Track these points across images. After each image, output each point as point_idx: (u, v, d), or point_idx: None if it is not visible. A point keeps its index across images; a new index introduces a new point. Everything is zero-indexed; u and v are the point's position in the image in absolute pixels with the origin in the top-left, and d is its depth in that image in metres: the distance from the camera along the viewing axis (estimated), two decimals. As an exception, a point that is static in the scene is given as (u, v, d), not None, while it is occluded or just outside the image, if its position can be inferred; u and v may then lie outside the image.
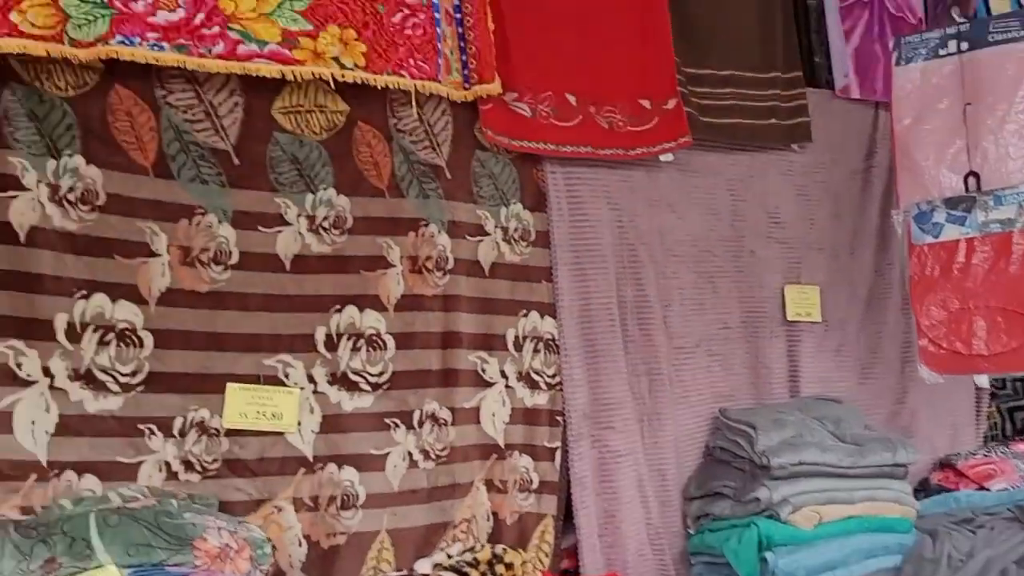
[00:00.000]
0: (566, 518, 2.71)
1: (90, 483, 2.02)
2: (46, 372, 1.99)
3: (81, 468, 2.02)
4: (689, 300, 3.03)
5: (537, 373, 2.69)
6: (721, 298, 3.12)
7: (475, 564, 2.16)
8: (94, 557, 1.66)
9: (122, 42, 2.03)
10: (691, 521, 2.93)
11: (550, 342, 2.72)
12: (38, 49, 1.95)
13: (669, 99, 2.93)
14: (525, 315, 2.68)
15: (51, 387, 2.00)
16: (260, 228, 2.28)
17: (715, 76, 3.13)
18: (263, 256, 2.28)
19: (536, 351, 2.69)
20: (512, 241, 2.69)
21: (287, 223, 2.32)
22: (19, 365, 1.96)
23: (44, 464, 1.97)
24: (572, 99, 2.76)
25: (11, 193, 1.98)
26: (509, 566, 2.19)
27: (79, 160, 2.06)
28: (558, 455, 2.70)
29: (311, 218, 2.35)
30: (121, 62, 2.06)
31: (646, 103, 2.90)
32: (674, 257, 3.01)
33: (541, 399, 2.69)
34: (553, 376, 2.71)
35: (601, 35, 2.81)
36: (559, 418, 2.71)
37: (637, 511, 2.81)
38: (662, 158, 2.92)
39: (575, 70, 2.76)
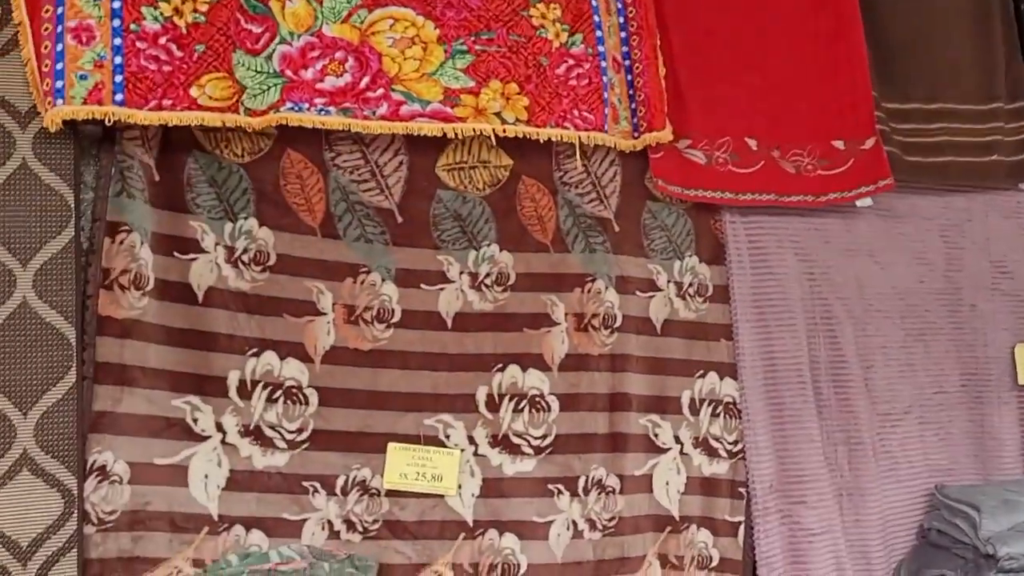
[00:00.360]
0: (756, 602, 2.45)
1: (257, 539, 2.05)
2: (219, 427, 2.06)
3: (249, 523, 2.05)
4: (895, 360, 2.70)
5: (716, 439, 2.47)
6: (935, 358, 2.75)
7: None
8: (242, 620, 1.64)
9: (291, 108, 2.10)
10: (903, 613, 2.56)
11: (730, 406, 2.50)
12: (215, 120, 2.05)
13: (867, 138, 2.65)
14: (702, 376, 2.49)
15: (223, 442, 2.06)
16: (423, 286, 2.26)
17: (922, 111, 2.82)
18: (425, 314, 2.26)
19: (715, 415, 2.48)
20: (687, 297, 2.51)
21: (449, 280, 2.29)
22: (195, 420, 2.04)
23: (215, 518, 2.02)
24: (752, 143, 2.56)
25: (192, 256, 2.08)
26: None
27: (253, 222, 2.14)
28: (741, 531, 2.45)
29: (473, 275, 2.31)
30: (293, 128, 2.12)
31: (839, 144, 2.64)
32: (876, 312, 2.70)
33: (721, 468, 2.47)
34: (734, 443, 2.48)
35: (785, 72, 2.60)
36: (742, 490, 2.47)
37: (836, 598, 2.49)
38: (859, 203, 2.64)
39: (755, 112, 2.57)
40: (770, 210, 2.58)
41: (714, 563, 2.42)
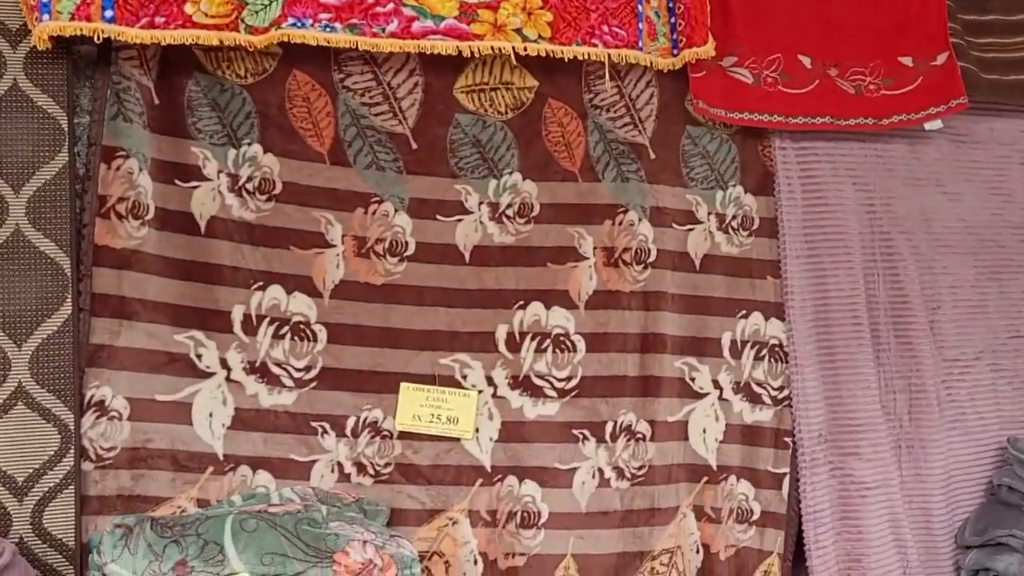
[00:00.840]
0: (796, 558, 2.27)
1: (264, 479, 1.97)
2: (223, 364, 1.97)
3: (256, 464, 1.97)
4: (965, 301, 2.45)
5: (760, 385, 2.28)
6: (1011, 299, 2.50)
7: (664, 607, 1.83)
8: (227, 563, 1.56)
9: (294, 24, 1.95)
10: (965, 575, 2.34)
11: (776, 349, 2.30)
12: (212, 39, 1.92)
13: (938, 53, 2.38)
14: (744, 316, 2.29)
15: (228, 379, 1.97)
16: (438, 217, 2.12)
17: (1002, 23, 2.51)
18: (441, 247, 2.12)
19: (758, 359, 2.29)
20: (730, 230, 2.31)
21: (467, 211, 2.14)
22: (199, 356, 1.95)
23: (220, 457, 1.95)
24: (806, 61, 2.32)
25: (193, 184, 1.98)
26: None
27: (257, 148, 2.02)
28: (786, 483, 2.27)
29: (494, 206, 2.15)
30: (299, 47, 1.98)
31: (907, 60, 2.38)
32: (944, 248, 2.45)
33: (764, 415, 2.28)
34: (780, 389, 2.29)
35: (845, -21, 2.34)
36: (788, 439, 2.28)
37: (890, 557, 2.30)
38: (928, 126, 2.38)
39: (810, 26, 2.32)
40: (825, 135, 2.35)
41: (755, 516, 2.25)
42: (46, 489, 1.80)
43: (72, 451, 1.83)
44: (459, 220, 2.13)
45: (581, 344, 2.16)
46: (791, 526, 2.27)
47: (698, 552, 2.20)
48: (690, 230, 2.27)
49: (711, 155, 2.31)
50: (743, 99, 2.27)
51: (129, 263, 1.91)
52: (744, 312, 2.29)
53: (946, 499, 2.39)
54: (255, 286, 2.00)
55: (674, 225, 2.26)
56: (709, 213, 2.29)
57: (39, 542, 1.79)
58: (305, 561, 1.60)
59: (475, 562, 2.04)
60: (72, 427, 1.83)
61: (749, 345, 2.29)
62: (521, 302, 2.14)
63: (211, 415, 1.95)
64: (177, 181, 1.97)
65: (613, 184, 2.22)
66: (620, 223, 2.22)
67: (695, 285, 2.26)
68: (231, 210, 2.00)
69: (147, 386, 1.91)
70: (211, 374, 1.96)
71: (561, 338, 2.16)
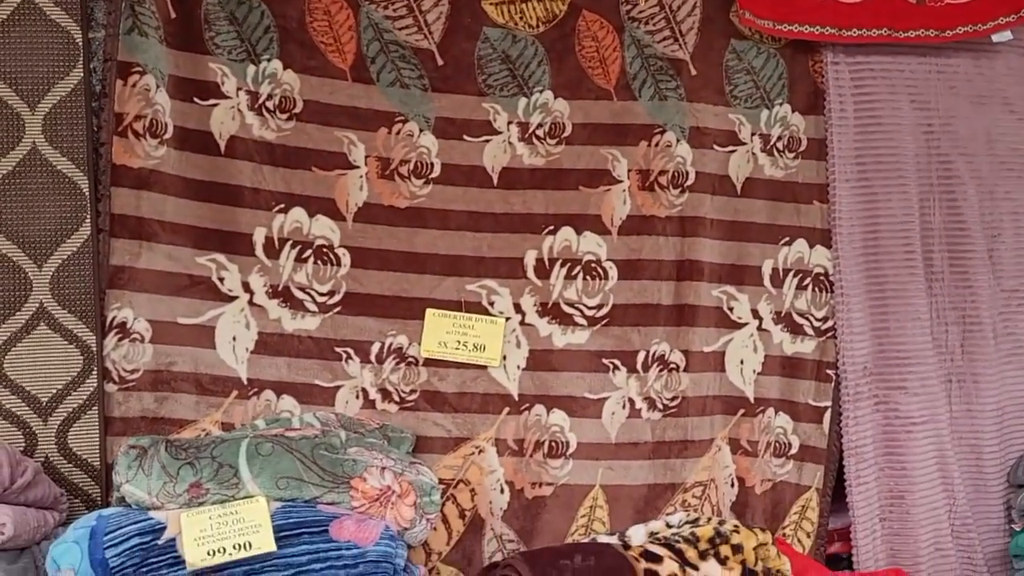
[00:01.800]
0: (836, 494, 2.19)
1: (288, 404, 1.95)
2: (246, 288, 1.94)
3: (280, 389, 1.95)
4: (1029, 229, 2.29)
5: (802, 315, 2.18)
6: (1079, 227, 2.32)
7: (693, 541, 1.77)
8: (242, 486, 1.54)
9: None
10: (1017, 515, 2.25)
11: (821, 277, 2.18)
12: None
13: (1011, -43, 2.18)
14: (788, 243, 2.17)
15: (251, 303, 1.94)
16: (465, 137, 2.03)
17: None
18: (468, 169, 2.04)
19: (801, 288, 2.18)
20: (775, 151, 2.18)
21: (496, 131, 2.05)
22: (221, 279, 1.92)
23: (244, 382, 1.93)
24: (863, -34, 2.15)
25: (212, 101, 1.92)
26: (737, 548, 1.76)
27: (277, 64, 1.95)
28: (827, 417, 2.18)
29: (523, 125, 2.05)
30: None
31: (975, -35, 2.18)
32: (1008, 172, 2.29)
33: (806, 347, 2.18)
34: (823, 320, 2.18)
35: None
36: (830, 372, 2.18)
37: (936, 495, 2.21)
38: (995, 38, 2.20)
39: (868, -73, 2.14)
40: (882, 49, 2.18)
41: (793, 450, 2.17)
42: (70, 410, 1.80)
43: (95, 372, 1.82)
44: (487, 141, 2.04)
45: (613, 271, 2.08)
46: (831, 461, 2.18)
47: (733, 486, 2.14)
48: (732, 152, 2.15)
49: (757, 71, 2.17)
50: (793, 9, 2.12)
51: (148, 183, 1.88)
52: (787, 239, 2.18)
53: (999, 436, 2.28)
54: (277, 208, 1.95)
55: (715, 146, 2.14)
56: (753, 134, 2.16)
57: (64, 462, 1.79)
58: (321, 486, 1.57)
59: (501, 491, 2.01)
60: (94, 348, 1.82)
61: (792, 274, 2.18)
62: (551, 227, 2.06)
63: (234, 339, 1.92)
64: (196, 99, 1.91)
65: (650, 103, 2.11)
66: (657, 144, 2.11)
67: (736, 210, 2.15)
68: (251, 129, 1.94)
69: (169, 309, 1.89)
70: (233, 298, 1.93)
71: (592, 265, 2.07)
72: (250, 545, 1.44)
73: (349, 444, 1.68)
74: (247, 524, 1.47)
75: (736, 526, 1.82)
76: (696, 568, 1.71)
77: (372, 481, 1.61)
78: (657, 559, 1.69)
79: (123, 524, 1.48)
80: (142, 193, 1.87)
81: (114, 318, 1.85)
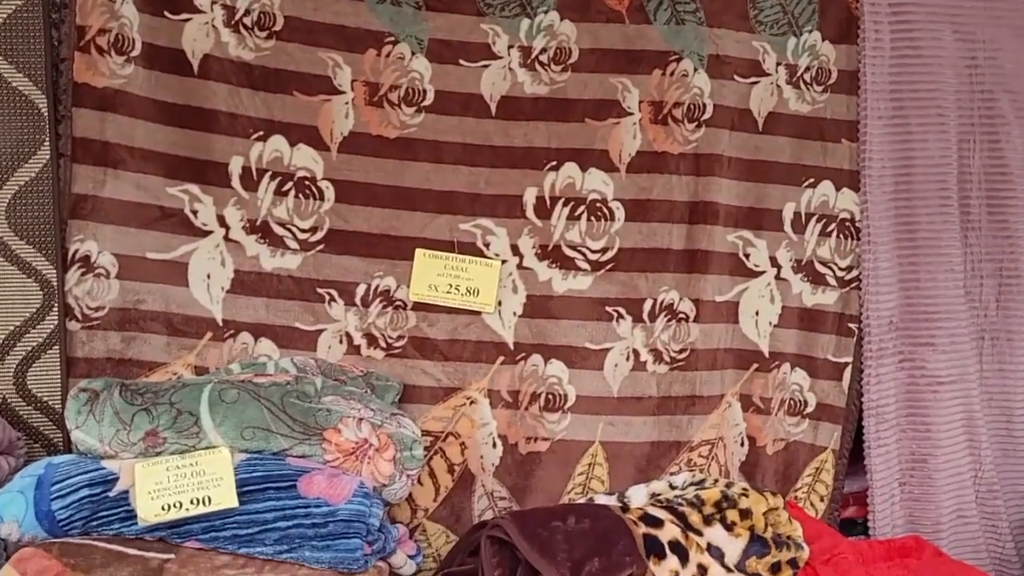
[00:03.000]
0: (853, 456, 2.05)
1: (267, 348, 1.82)
2: (221, 221, 1.80)
3: (258, 331, 1.82)
4: (1076, 175, 2.10)
5: (824, 263, 2.01)
6: None
7: (698, 504, 1.63)
8: (203, 435, 1.40)
9: None
10: (1047, 482, 2.10)
11: (847, 223, 2.01)
12: None
13: None
14: (812, 185, 2.00)
15: (226, 238, 1.80)
16: (461, 62, 1.86)
17: None
18: (464, 96, 1.87)
19: (825, 234, 2.01)
20: (802, 84, 1.99)
21: (495, 55, 1.87)
22: (194, 212, 1.78)
23: (219, 323, 1.79)
24: None
25: (184, 16, 1.76)
26: (745, 514, 1.63)
27: (253, -26, 1.77)
28: (847, 374, 2.02)
29: (525, 50, 1.88)
30: None
31: None
32: (1057, 112, 2.08)
33: (827, 298, 2.01)
34: (848, 269, 2.01)
35: None
36: (853, 326, 2.02)
37: (960, 458, 2.06)
38: (1049, -38, 1.98)
39: None
40: (924, -29, 1.97)
41: (809, 408, 2.02)
42: (29, 348, 1.68)
43: (56, 309, 1.69)
44: (485, 66, 1.87)
45: (620, 212, 1.92)
46: (850, 421, 2.03)
47: (743, 445, 1.99)
48: (754, 83, 1.96)
49: (784, -6, 1.97)
50: (827, -75, 1.91)
51: (113, 104, 1.73)
52: (811, 180, 2.00)
53: (1032, 399, 2.12)
54: (255, 136, 1.80)
55: (736, 77, 1.95)
56: (778, 64, 1.97)
57: (23, 403, 1.67)
58: (290, 437, 1.44)
59: (494, 445, 1.88)
60: (55, 283, 1.69)
61: (815, 219, 2.01)
62: (553, 162, 1.89)
63: (208, 277, 1.79)
64: (166, 12, 1.75)
65: (666, 27, 1.92)
66: (672, 73, 1.92)
67: (756, 148, 1.97)
68: (227, 48, 1.78)
69: (137, 242, 1.75)
70: (208, 232, 1.79)
71: (597, 204, 1.91)
72: (209, 500, 1.31)
73: (324, 392, 1.54)
74: (207, 477, 1.34)
75: (745, 489, 1.68)
76: (700, 533, 1.58)
77: (347, 433, 1.47)
78: (657, 523, 1.55)
79: (72, 474, 1.35)
80: (107, 115, 1.73)
81: (76, 251, 1.72)
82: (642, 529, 1.53)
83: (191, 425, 1.41)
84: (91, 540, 1.31)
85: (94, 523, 1.33)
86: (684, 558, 1.52)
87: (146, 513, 1.30)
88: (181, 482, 1.33)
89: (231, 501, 1.32)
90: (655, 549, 1.51)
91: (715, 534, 1.59)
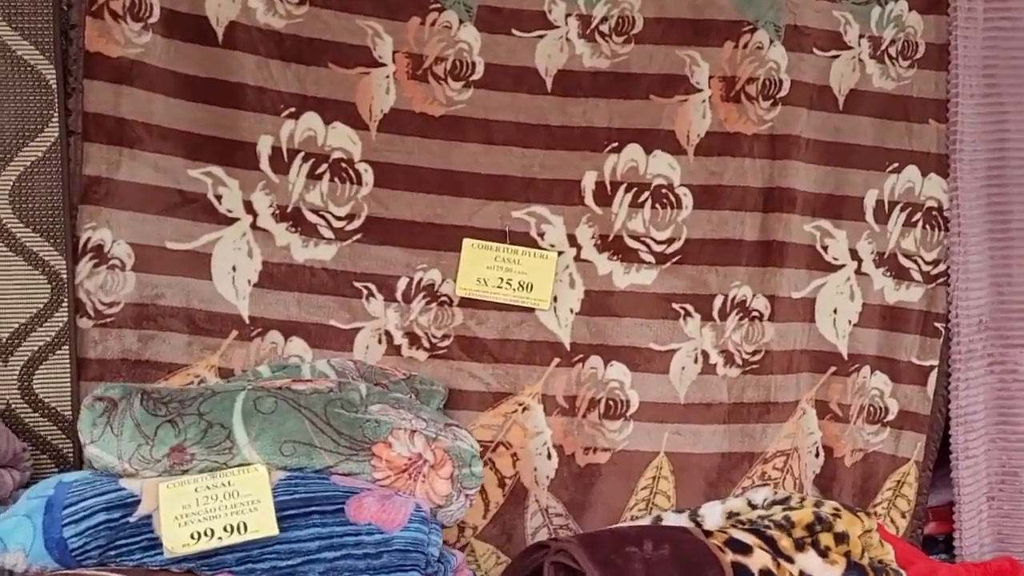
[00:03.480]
0: (937, 467, 1.87)
1: (298, 348, 1.64)
2: (248, 208, 1.62)
3: (288, 329, 1.64)
4: None
5: (909, 257, 1.83)
6: None
7: (787, 527, 1.45)
8: (236, 451, 1.22)
9: None
10: None
11: (933, 212, 1.83)
12: None
13: None
14: (896, 170, 1.82)
15: (254, 227, 1.63)
16: (514, 32, 1.69)
17: None
18: (516, 71, 1.69)
19: (909, 224, 1.82)
20: (886, 59, 1.80)
21: (551, 25, 1.69)
22: (219, 197, 1.60)
23: (246, 320, 1.61)
24: None
25: (196, -24, 1.57)
26: (841, 538, 1.44)
27: (285, -68, 1.59)
28: (932, 378, 1.84)
29: (585, 19, 1.70)
30: None
31: None
32: None
33: (912, 295, 1.83)
34: (934, 263, 1.83)
35: None
36: (939, 325, 1.83)
37: (1055, 472, 1.88)
38: None
39: None
40: (1024, -68, 1.79)
41: (890, 416, 1.84)
42: (35, 348, 1.50)
43: (66, 304, 1.51)
44: (540, 36, 1.69)
45: (688, 199, 1.73)
46: (935, 430, 1.85)
47: (818, 456, 1.82)
48: (835, 57, 1.78)
49: (868, -41, 1.79)
50: None
51: (129, 76, 1.55)
52: (895, 165, 1.82)
53: None
54: (286, 112, 1.62)
55: (815, 50, 1.77)
56: (861, 36, 1.79)
57: (28, 410, 1.50)
58: (336, 453, 1.26)
59: (548, 456, 1.70)
60: (64, 276, 1.51)
61: (899, 207, 1.83)
62: (615, 143, 1.71)
63: (234, 269, 1.61)
64: (188, -26, 1.56)
65: (739, -6, 1.73)
66: (745, 46, 1.74)
67: (836, 129, 1.79)
68: (255, 15, 1.61)
69: (155, 231, 1.57)
70: (234, 219, 1.61)
71: (663, 190, 1.73)
72: (245, 527, 1.13)
73: (370, 400, 1.36)
74: (242, 499, 1.16)
75: (836, 509, 1.50)
76: (791, 560, 1.40)
77: (399, 448, 1.29)
78: (746, 549, 1.37)
79: (87, 495, 1.17)
80: (122, 88, 1.55)
81: (88, 240, 1.54)
82: (729, 556, 1.35)
83: (223, 439, 1.22)
84: (108, 572, 1.13)
85: (112, 552, 1.15)
86: (777, 589, 1.34)
87: (173, 543, 1.11)
88: (212, 505, 1.15)
89: (270, 528, 1.14)
90: (745, 579, 1.32)
91: (808, 561, 1.41)
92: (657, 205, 1.73)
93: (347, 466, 1.26)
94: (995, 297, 1.85)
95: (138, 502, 1.16)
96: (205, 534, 1.12)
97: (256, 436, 1.24)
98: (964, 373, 1.84)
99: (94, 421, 1.21)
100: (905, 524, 1.85)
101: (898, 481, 1.85)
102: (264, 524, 1.13)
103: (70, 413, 1.50)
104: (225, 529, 1.13)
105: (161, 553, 1.14)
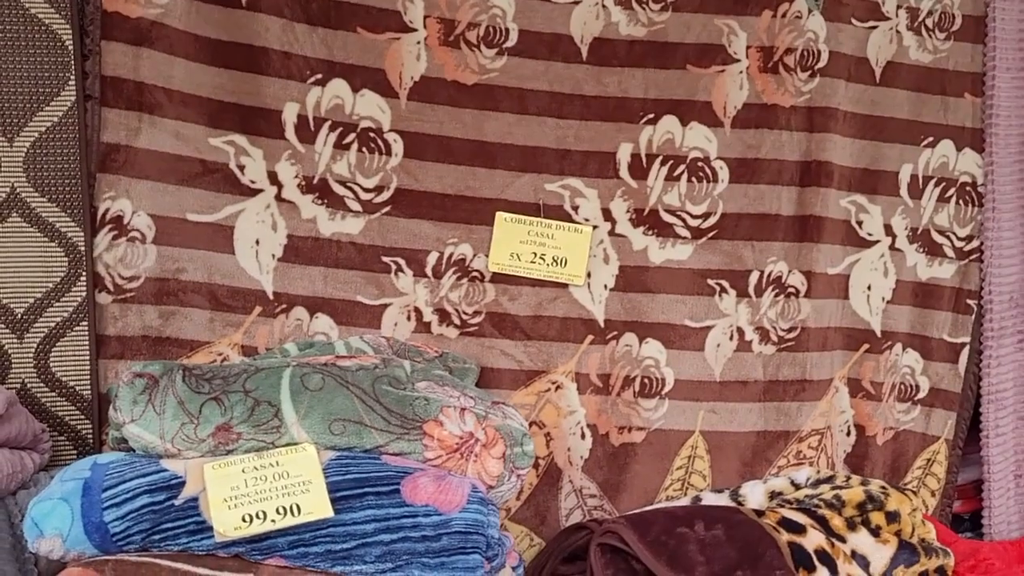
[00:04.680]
0: (967, 445, 1.85)
1: (324, 325, 1.58)
2: (272, 178, 1.55)
3: (314, 305, 1.57)
4: None
5: (942, 232, 1.80)
6: None
7: (837, 506, 1.42)
8: (284, 429, 1.16)
9: None
10: None
11: (968, 188, 1.81)
12: None
13: None
14: (931, 145, 1.79)
15: (278, 198, 1.55)
16: (550, -2, 1.62)
17: None
18: (551, 38, 1.63)
19: (943, 200, 1.80)
20: (923, 30, 1.77)
21: (588, -10, 1.63)
22: (242, 167, 1.52)
23: (270, 296, 1.55)
24: None
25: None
26: (892, 517, 1.42)
27: None
28: (964, 356, 1.82)
29: (622, -16, 1.64)
30: None
31: None
32: None
33: (944, 272, 1.81)
34: (968, 239, 1.81)
35: None
36: (971, 302, 1.81)
37: (1081, 450, 1.87)
38: None
39: None
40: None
41: (921, 394, 1.82)
42: (52, 325, 1.42)
43: (84, 278, 1.43)
44: (575, 3, 1.63)
45: (724, 172, 1.69)
46: (965, 408, 1.83)
47: (849, 434, 1.79)
48: (873, 28, 1.74)
49: (909, -74, 1.75)
50: None
51: (149, 38, 1.47)
52: (930, 139, 1.79)
53: None
54: (312, 79, 1.55)
55: (853, 20, 1.73)
56: (899, 6, 1.76)
57: (45, 389, 1.42)
58: (387, 432, 1.20)
59: (582, 435, 1.65)
60: (82, 248, 1.43)
61: (933, 182, 1.80)
62: (650, 115, 1.66)
63: (257, 243, 1.54)
64: (209, -69, 1.48)
65: (777, -38, 1.69)
66: (784, 15, 1.70)
67: (872, 102, 1.76)
68: (280, -25, 1.52)
69: (176, 202, 1.50)
70: (257, 191, 1.54)
71: (699, 163, 1.68)
72: (299, 509, 1.07)
73: (415, 377, 1.30)
74: (292, 480, 1.10)
75: (884, 488, 1.47)
76: (843, 540, 1.37)
77: (450, 426, 1.23)
78: (799, 529, 1.34)
79: (127, 477, 1.10)
80: (142, 51, 1.47)
81: (107, 210, 1.46)
82: (785, 536, 1.32)
83: (270, 418, 1.16)
84: (153, 558, 1.06)
85: (156, 537, 1.08)
86: (833, 570, 1.31)
87: (224, 526, 1.05)
88: (262, 487, 1.09)
89: (325, 510, 1.08)
90: (802, 560, 1.29)
91: (860, 541, 1.38)
92: (693, 179, 1.68)
93: (398, 445, 1.20)
94: (1026, 274, 1.83)
95: (183, 484, 1.10)
96: (257, 516, 1.06)
97: (305, 414, 1.17)
98: (996, 351, 1.82)
99: (135, 399, 1.14)
100: (935, 503, 1.84)
101: (928, 460, 1.83)
102: (318, 506, 1.07)
103: (89, 392, 1.43)
104: (278, 511, 1.07)
105: (208, 537, 1.07)
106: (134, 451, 1.18)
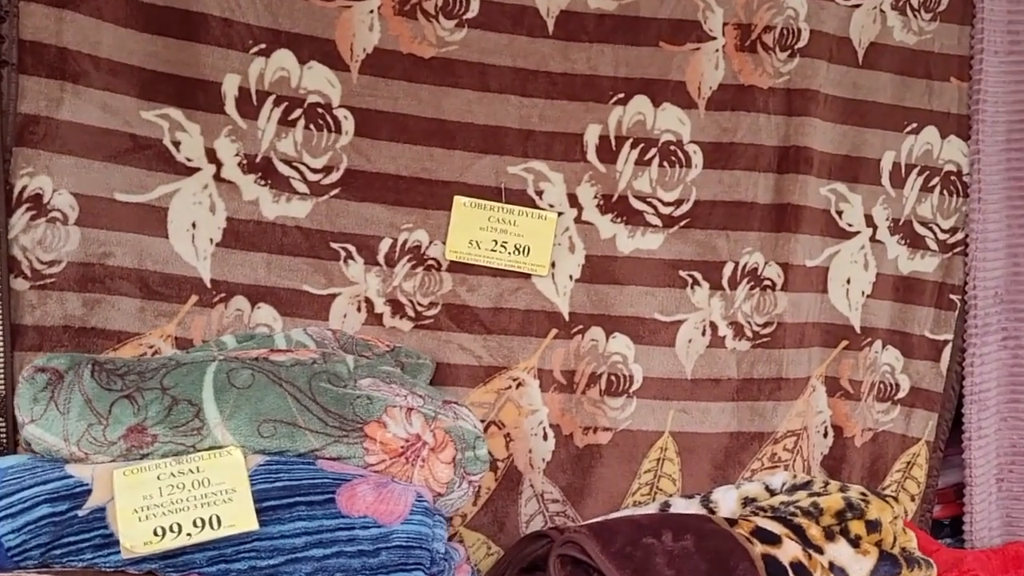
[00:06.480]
0: (947, 447, 1.77)
1: (266, 316, 1.46)
2: (211, 156, 1.43)
3: (256, 295, 1.46)
4: None
5: (925, 224, 1.72)
6: None
7: (815, 514, 1.33)
8: (207, 432, 1.04)
9: None
10: None
11: (952, 177, 1.72)
12: None
13: None
14: (915, 131, 1.70)
15: (217, 178, 1.43)
16: (533, -36, 1.51)
17: None
18: (515, 10, 1.53)
19: (927, 189, 1.71)
20: (908, 10, 1.68)
21: (567, -41, 1.52)
22: (176, 144, 1.40)
23: (207, 284, 1.43)
24: None
25: None
26: (872, 526, 1.32)
27: None
28: (947, 353, 1.74)
29: (600, -47, 1.53)
30: None
31: None
32: None
33: (927, 265, 1.72)
34: (951, 231, 1.73)
35: None
36: (955, 297, 1.73)
37: (1065, 453, 1.79)
38: None
39: None
40: None
41: (901, 394, 1.73)
42: (-39, 314, 1.28)
43: (-2, 263, 1.30)
44: (569, -29, 1.52)
45: (698, 157, 1.59)
46: (947, 408, 1.75)
47: (826, 436, 1.70)
48: (856, 7, 1.65)
49: (893, -101, 1.66)
50: None
51: (74, 1, 1.34)
52: (914, 125, 1.70)
53: None
54: (255, 49, 1.44)
55: (836, -2, 1.63)
56: (883, -16, 1.66)
57: (-47, 385, 1.28)
58: (323, 434, 1.08)
59: (544, 436, 1.55)
60: (-4, 229, 1.30)
61: (916, 171, 1.71)
62: (621, 94, 1.56)
63: (194, 226, 1.43)
64: None
65: (756, -66, 1.59)
66: (763, -10, 1.59)
67: (855, 85, 1.67)
68: (195, -69, 1.40)
69: (103, 179, 1.37)
70: (194, 169, 1.43)
71: (671, 147, 1.58)
72: (219, 521, 0.95)
73: (359, 374, 1.18)
74: (214, 488, 0.98)
75: (864, 494, 1.38)
76: (820, 551, 1.27)
77: (394, 428, 1.12)
78: (774, 540, 1.24)
79: (26, 484, 0.98)
80: (65, 14, 1.35)
81: (24, 188, 1.34)
82: (759, 548, 1.22)
83: (191, 418, 1.04)
84: (52, 574, 0.94)
85: (57, 552, 0.96)
86: (810, 583, 1.22)
87: (132, 540, 0.93)
88: (178, 496, 0.97)
89: (249, 523, 0.96)
90: (777, 574, 1.19)
91: (839, 552, 1.29)
92: (665, 163, 1.58)
93: (336, 449, 1.09)
94: (1011, 269, 1.75)
95: (88, 492, 0.98)
96: (171, 529, 0.94)
97: (230, 414, 1.06)
98: (979, 348, 1.74)
99: (35, 396, 1.02)
100: (914, 508, 1.76)
101: (908, 462, 1.75)
102: (241, 517, 0.96)
103: (3, 388, 1.30)
104: (195, 524, 0.95)
105: (117, 552, 0.96)
106: (39, 455, 1.06)
